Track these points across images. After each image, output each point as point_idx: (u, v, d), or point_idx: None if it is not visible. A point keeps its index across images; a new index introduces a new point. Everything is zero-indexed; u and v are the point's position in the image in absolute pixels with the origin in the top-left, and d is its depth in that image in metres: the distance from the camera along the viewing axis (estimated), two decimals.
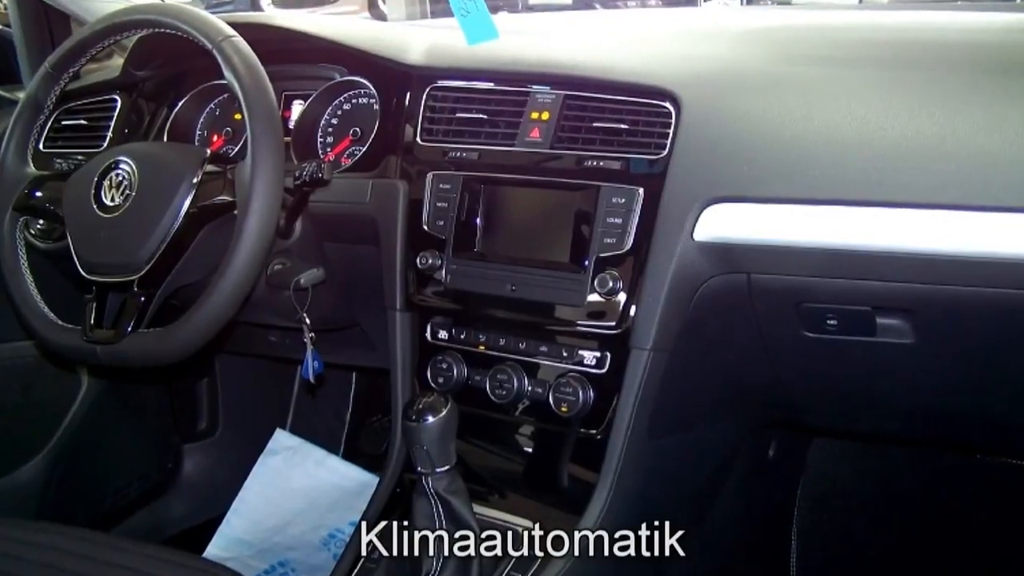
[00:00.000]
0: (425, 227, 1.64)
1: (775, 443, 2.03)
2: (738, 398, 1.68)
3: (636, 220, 1.47)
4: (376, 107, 1.77)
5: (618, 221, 1.48)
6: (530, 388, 1.58)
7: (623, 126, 1.52)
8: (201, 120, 2.00)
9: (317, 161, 1.61)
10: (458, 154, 1.64)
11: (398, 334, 1.68)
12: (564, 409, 1.54)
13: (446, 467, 1.45)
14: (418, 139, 1.69)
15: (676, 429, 1.60)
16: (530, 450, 1.63)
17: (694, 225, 1.43)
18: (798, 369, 1.56)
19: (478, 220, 1.61)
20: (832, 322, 1.42)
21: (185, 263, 1.54)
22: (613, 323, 1.49)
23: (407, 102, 1.71)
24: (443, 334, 1.67)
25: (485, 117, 1.64)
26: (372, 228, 1.69)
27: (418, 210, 1.65)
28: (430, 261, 1.62)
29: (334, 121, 1.86)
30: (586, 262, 1.50)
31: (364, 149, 1.77)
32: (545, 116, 1.58)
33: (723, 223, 1.41)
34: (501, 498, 1.64)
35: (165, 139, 1.96)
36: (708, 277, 1.44)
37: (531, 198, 1.58)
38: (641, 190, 1.47)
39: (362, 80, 1.81)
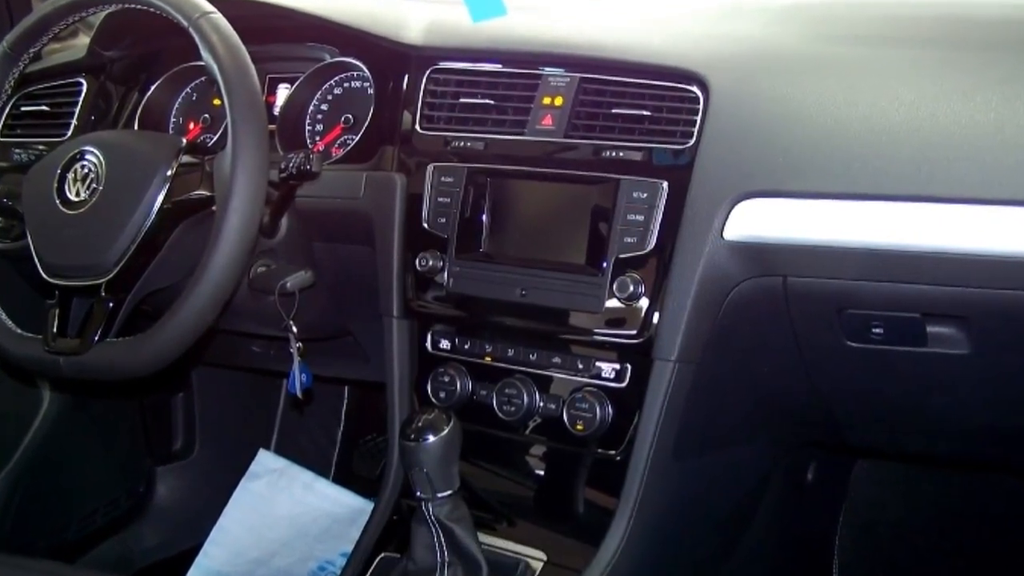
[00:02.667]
0: (425, 225, 1.65)
1: (814, 465, 2.03)
2: (773, 415, 1.68)
3: (659, 217, 1.48)
4: (370, 91, 1.78)
5: (639, 218, 1.49)
6: (542, 404, 1.59)
7: (645, 113, 1.53)
8: (176, 106, 2.01)
9: (305, 151, 1.61)
10: (462, 144, 1.65)
11: (395, 344, 1.69)
12: (579, 427, 1.55)
13: (448, 492, 1.45)
14: (417, 127, 1.69)
15: (704, 449, 1.60)
16: (541, 473, 1.63)
17: (724, 223, 1.43)
18: (839, 383, 1.56)
19: (484, 217, 1.61)
20: (878, 330, 1.42)
21: (158, 265, 1.54)
22: (634, 332, 1.50)
23: (405, 86, 1.72)
24: (445, 344, 1.68)
25: (492, 103, 1.65)
26: (366, 226, 1.70)
27: (417, 206, 1.66)
28: (431, 263, 1.63)
29: (324, 107, 1.87)
30: (604, 264, 1.51)
31: (357, 138, 1.77)
32: (558, 102, 1.59)
33: (756, 220, 1.42)
34: (509, 526, 1.64)
35: (136, 127, 1.97)
36: (739, 281, 1.45)
37: (543, 193, 1.59)
38: (665, 184, 1.48)
39: (355, 62, 1.81)
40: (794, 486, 2.00)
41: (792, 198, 1.39)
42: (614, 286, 1.49)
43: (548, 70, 1.61)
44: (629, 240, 1.50)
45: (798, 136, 1.40)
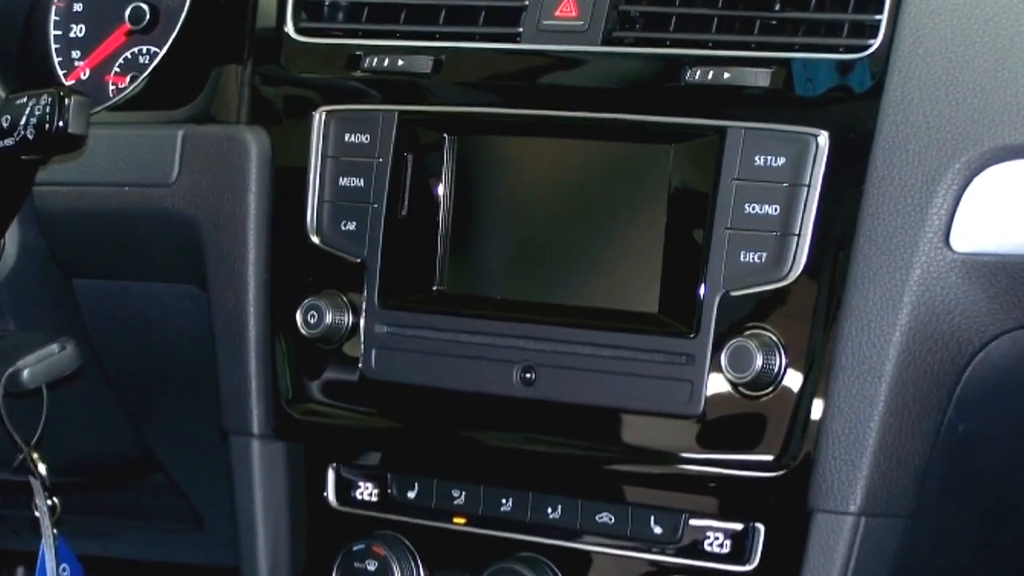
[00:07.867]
0: (315, 238, 1.69)
1: None
2: None
3: (814, 207, 1.48)
4: None
5: (770, 211, 1.50)
6: None
7: None
8: None
9: (52, 91, 1.60)
10: (387, 62, 1.64)
11: (258, 492, 1.75)
12: None
13: None
14: (290, 28, 1.74)
15: None
16: None
17: (952, 216, 1.44)
18: None
19: (440, 219, 1.63)
20: None
21: None
22: (769, 456, 1.50)
23: None
24: (366, 490, 1.72)
25: None
26: (186, 243, 1.76)
27: (296, 197, 1.69)
28: (330, 318, 1.65)
29: None
30: (697, 310, 1.53)
31: (162, 53, 1.86)
32: None
33: (1018, 209, 1.43)
34: None
35: None
36: (989, 337, 1.48)
37: (562, 165, 1.65)
38: (824, 135, 1.48)
39: None
40: None
41: None
42: (723, 356, 1.49)
43: None
44: (750, 258, 1.51)
45: None
